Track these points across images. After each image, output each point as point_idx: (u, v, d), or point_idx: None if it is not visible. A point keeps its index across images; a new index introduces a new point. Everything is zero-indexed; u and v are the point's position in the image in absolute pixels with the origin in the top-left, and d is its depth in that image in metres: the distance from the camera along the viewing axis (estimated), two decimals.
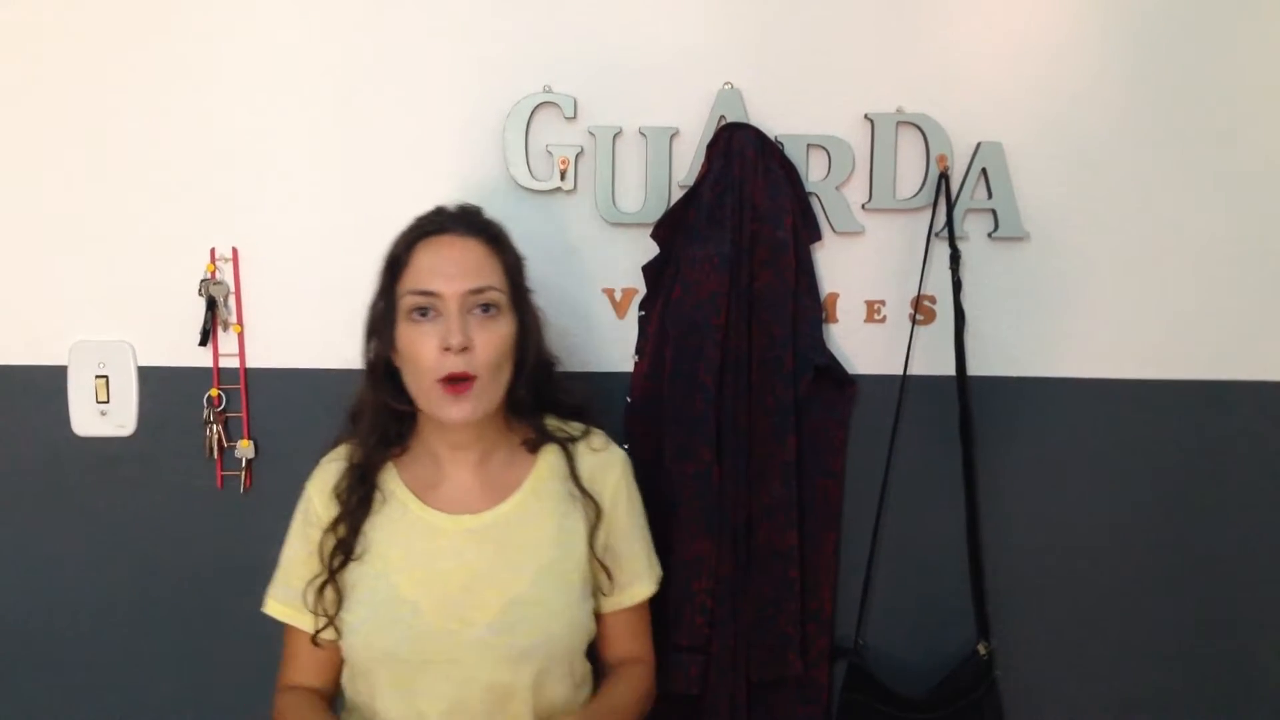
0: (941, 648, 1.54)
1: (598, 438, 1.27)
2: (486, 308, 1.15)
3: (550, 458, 1.23)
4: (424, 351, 1.13)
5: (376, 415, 1.21)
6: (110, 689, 1.55)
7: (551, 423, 1.26)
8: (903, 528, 1.53)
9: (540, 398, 1.25)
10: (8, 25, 1.44)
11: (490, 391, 1.16)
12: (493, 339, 1.14)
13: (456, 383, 1.12)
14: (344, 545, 1.17)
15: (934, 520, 1.53)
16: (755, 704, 1.48)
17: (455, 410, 1.13)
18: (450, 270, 1.14)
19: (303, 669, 1.23)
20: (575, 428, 1.27)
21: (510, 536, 1.18)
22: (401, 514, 1.19)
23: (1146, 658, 1.58)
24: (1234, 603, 1.58)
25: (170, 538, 1.52)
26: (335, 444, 1.27)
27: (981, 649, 1.50)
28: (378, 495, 1.20)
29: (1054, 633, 1.57)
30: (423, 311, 1.14)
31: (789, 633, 1.45)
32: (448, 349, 1.11)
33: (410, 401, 1.18)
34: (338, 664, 1.23)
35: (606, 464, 1.25)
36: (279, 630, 1.25)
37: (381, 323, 1.19)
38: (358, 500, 1.18)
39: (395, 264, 1.18)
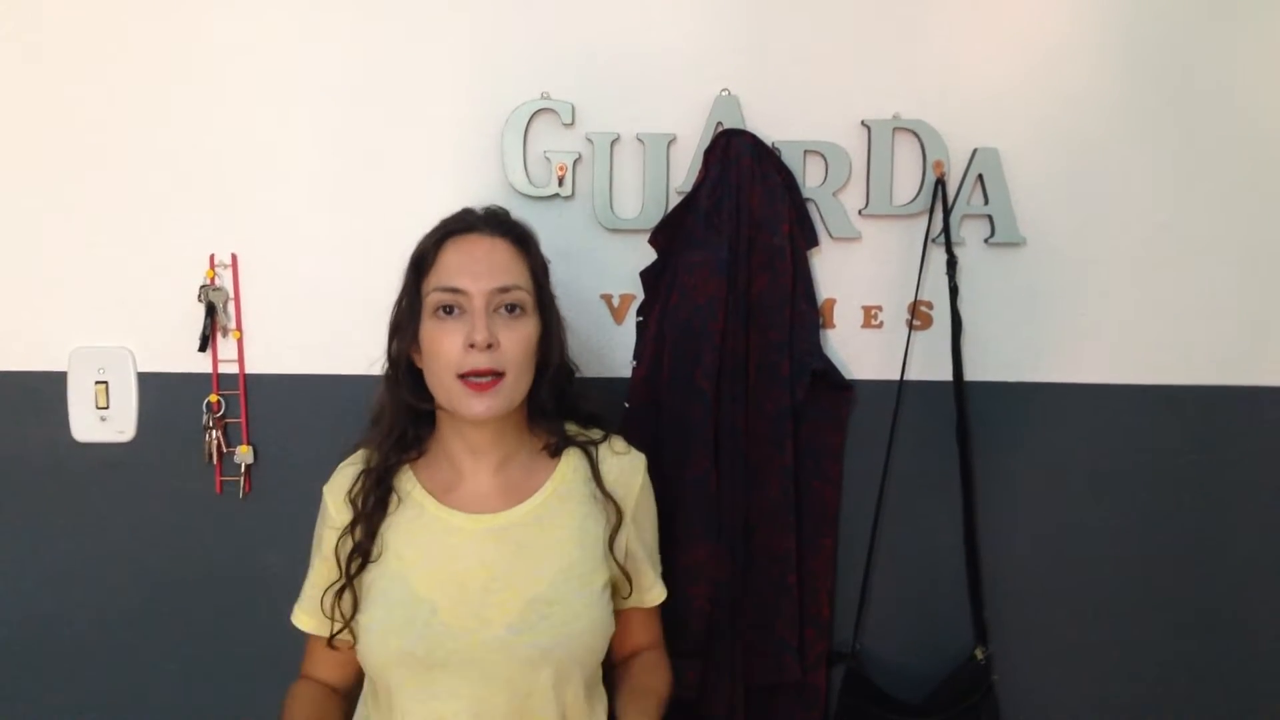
0: (939, 652, 1.54)
1: (619, 442, 1.27)
2: (512, 308, 1.15)
3: (573, 460, 1.23)
4: (447, 347, 1.12)
5: (395, 416, 1.21)
6: (109, 693, 1.55)
7: (572, 428, 1.26)
8: (900, 532, 1.54)
9: (561, 404, 1.24)
10: (8, 29, 1.45)
11: (514, 389, 1.15)
12: (518, 338, 1.14)
13: (481, 379, 1.12)
14: (360, 549, 1.16)
15: (931, 525, 1.53)
16: (753, 709, 1.48)
17: (478, 405, 1.12)
18: (477, 269, 1.14)
19: (320, 665, 1.25)
20: (595, 433, 1.27)
21: (531, 536, 1.17)
22: (418, 514, 1.18)
23: (1145, 663, 1.58)
24: (1233, 609, 1.58)
25: (169, 543, 1.53)
26: (354, 449, 1.26)
27: (979, 653, 1.51)
28: (393, 497, 1.19)
29: (1052, 637, 1.57)
30: (448, 309, 1.14)
31: (787, 638, 1.45)
32: (473, 345, 1.11)
33: (431, 400, 1.18)
34: (356, 663, 1.22)
35: (631, 468, 1.24)
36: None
37: (405, 320, 1.18)
38: (374, 503, 1.18)
39: (421, 261, 1.17)
